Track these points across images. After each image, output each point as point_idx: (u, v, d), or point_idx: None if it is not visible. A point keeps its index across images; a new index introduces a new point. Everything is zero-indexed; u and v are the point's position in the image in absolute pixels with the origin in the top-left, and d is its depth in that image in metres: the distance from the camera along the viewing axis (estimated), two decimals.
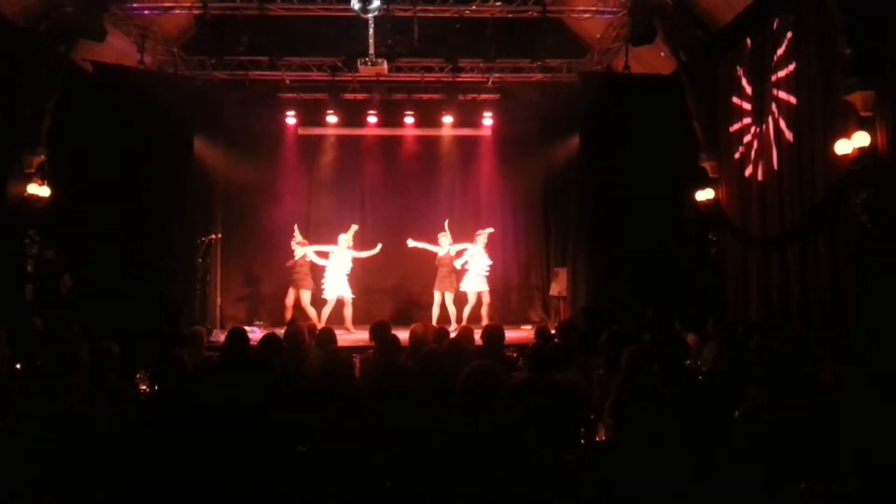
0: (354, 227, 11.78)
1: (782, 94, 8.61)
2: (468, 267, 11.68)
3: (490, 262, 11.79)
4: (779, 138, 8.71)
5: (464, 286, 11.62)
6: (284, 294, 11.74)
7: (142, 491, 3.39)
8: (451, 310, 11.44)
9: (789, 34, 8.41)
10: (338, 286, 11.46)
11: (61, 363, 4.64)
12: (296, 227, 11.86)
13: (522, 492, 2.81)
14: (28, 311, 8.73)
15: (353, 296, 11.60)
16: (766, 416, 3.36)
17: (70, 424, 3.68)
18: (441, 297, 11.49)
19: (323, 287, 11.57)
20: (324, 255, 11.65)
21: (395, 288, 13.54)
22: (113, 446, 3.60)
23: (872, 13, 6.82)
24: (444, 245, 11.59)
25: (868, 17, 6.85)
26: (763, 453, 3.13)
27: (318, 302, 11.58)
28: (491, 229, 11.94)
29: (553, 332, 7.47)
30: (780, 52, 8.62)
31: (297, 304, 11.40)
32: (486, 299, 11.58)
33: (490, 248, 11.86)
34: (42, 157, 9.67)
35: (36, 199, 9.63)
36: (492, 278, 12.00)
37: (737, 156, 9.87)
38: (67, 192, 10.05)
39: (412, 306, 13.13)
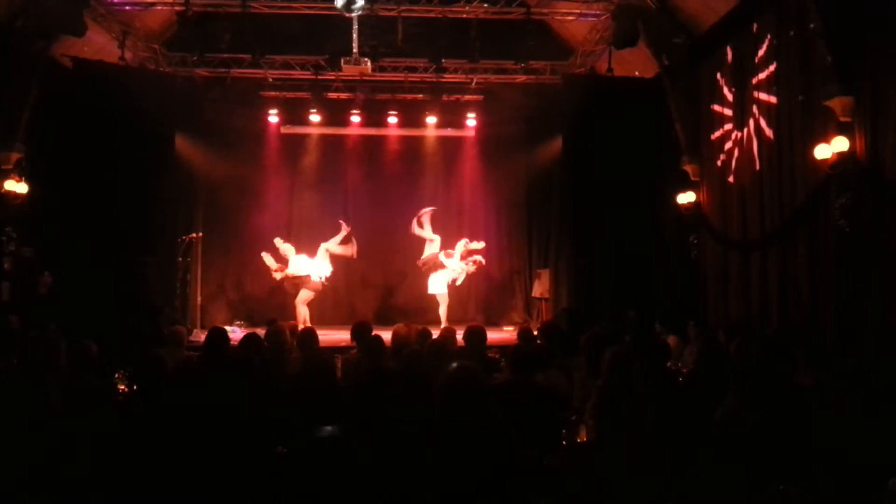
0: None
1: (763, 99, 8.69)
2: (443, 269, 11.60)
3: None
4: (759, 142, 8.79)
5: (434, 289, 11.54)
6: (267, 294, 11.69)
7: (120, 492, 3.35)
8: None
9: (770, 40, 8.49)
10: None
11: (38, 362, 4.58)
12: (267, 257, 11.42)
13: (503, 493, 2.81)
14: (4, 309, 8.61)
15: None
16: (745, 417, 3.39)
17: (47, 424, 3.64)
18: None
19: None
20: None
21: (377, 288, 13.51)
22: (91, 447, 3.55)
23: (852, 19, 6.90)
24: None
25: (847, 24, 6.93)
26: (742, 454, 3.15)
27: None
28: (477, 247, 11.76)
29: (535, 333, 7.47)
30: (760, 56, 8.70)
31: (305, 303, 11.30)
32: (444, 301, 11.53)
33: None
34: (20, 153, 9.55)
35: (13, 195, 9.49)
36: (474, 279, 11.99)
37: (718, 160, 9.95)
38: (46, 189, 9.91)
39: (395, 306, 13.12)
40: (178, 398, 4.08)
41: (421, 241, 11.73)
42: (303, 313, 11.09)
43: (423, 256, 11.55)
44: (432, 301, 11.60)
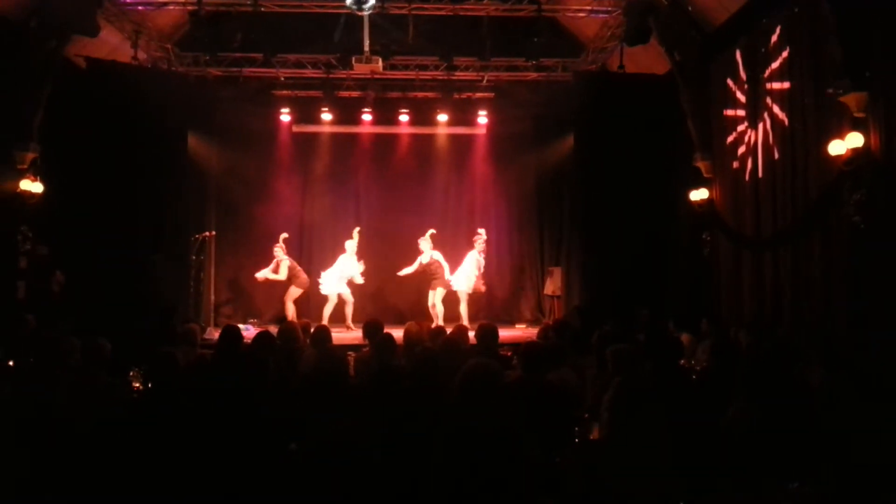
0: (357, 230, 11.90)
1: (776, 95, 8.63)
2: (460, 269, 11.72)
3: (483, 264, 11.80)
4: (772, 138, 8.73)
5: (458, 285, 11.65)
6: (280, 293, 11.80)
7: (134, 489, 3.38)
8: (440, 308, 11.48)
9: (782, 36, 8.43)
10: (336, 284, 11.55)
11: (53, 361, 4.62)
12: (282, 239, 11.78)
13: (514, 490, 2.81)
14: (20, 308, 8.69)
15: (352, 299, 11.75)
16: (757, 416, 3.37)
17: (61, 422, 3.67)
18: (433, 296, 11.58)
19: (320, 283, 11.71)
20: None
21: (388, 287, 13.51)
22: (105, 444, 3.58)
23: (864, 14, 6.84)
24: (427, 251, 11.62)
25: (860, 19, 6.87)
26: (754, 453, 3.14)
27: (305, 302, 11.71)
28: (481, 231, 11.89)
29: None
30: (773, 52, 8.64)
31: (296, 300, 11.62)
32: (464, 298, 11.61)
33: (485, 246, 11.85)
34: (35, 153, 9.62)
35: (28, 195, 9.58)
36: (486, 276, 12.03)
37: (730, 156, 9.89)
38: (60, 189, 9.99)
39: (406, 305, 13.12)
40: (192, 396, 4.11)
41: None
42: (290, 310, 11.39)
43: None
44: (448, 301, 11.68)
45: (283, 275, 11.56)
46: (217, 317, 12.79)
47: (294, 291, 11.62)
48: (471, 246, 11.75)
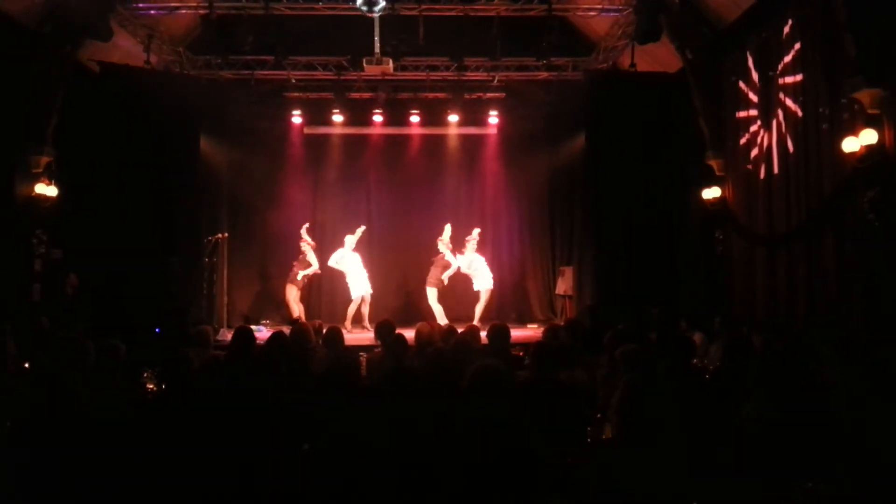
0: (362, 228, 12.02)
1: (789, 92, 8.57)
2: (475, 269, 11.75)
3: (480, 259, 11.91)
4: (785, 136, 8.68)
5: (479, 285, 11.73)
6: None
7: (147, 490, 3.40)
8: (437, 308, 11.54)
9: (796, 32, 8.38)
10: (362, 284, 11.73)
11: (68, 362, 4.66)
12: (305, 229, 11.96)
13: (526, 489, 2.81)
14: (35, 310, 8.77)
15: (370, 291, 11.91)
16: (771, 415, 3.35)
17: (76, 423, 3.70)
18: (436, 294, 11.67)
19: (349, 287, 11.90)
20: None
21: (398, 287, 13.53)
22: (119, 445, 3.61)
23: (878, 10, 6.79)
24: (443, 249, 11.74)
25: (874, 15, 6.82)
26: (768, 452, 3.12)
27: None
28: (478, 229, 12.05)
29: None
30: (786, 49, 8.59)
31: (299, 300, 11.74)
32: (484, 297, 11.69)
33: (496, 246, 11.92)
34: (49, 157, 9.73)
35: (43, 198, 9.68)
36: (497, 276, 12.05)
37: (743, 154, 9.84)
38: (74, 192, 10.10)
39: (416, 305, 13.13)
40: (205, 397, 4.13)
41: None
42: (296, 310, 11.56)
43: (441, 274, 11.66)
44: (455, 300, 11.68)
45: (314, 264, 11.70)
46: (230, 318, 12.84)
47: (290, 290, 11.73)
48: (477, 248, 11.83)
